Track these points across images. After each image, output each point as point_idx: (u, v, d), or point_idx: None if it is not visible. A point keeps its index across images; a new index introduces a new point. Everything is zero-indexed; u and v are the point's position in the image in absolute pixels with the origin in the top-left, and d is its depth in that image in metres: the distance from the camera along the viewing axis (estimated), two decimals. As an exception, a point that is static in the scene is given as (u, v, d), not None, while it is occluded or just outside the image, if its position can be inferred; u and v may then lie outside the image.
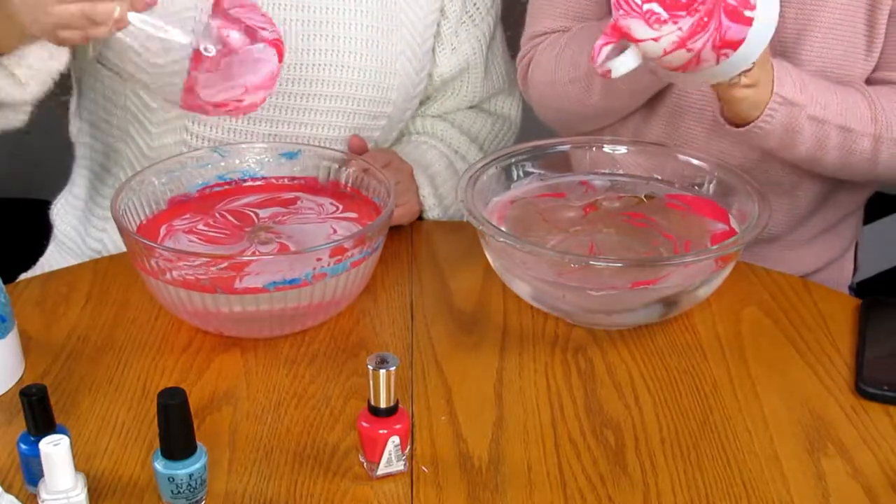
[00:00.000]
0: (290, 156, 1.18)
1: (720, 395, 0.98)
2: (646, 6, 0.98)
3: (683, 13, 0.97)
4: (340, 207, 1.14)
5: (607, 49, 1.02)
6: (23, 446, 0.84)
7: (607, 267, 1.00)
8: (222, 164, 1.17)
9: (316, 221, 1.13)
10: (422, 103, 1.38)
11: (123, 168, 1.28)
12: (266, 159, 1.18)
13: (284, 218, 1.13)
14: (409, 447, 0.88)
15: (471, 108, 1.41)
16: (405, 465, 0.88)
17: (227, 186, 1.17)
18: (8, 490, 0.85)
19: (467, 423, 0.94)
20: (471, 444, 0.92)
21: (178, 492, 0.82)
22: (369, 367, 0.84)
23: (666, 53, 0.99)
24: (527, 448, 0.91)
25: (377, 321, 1.09)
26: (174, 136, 1.23)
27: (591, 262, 1.02)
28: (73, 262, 1.35)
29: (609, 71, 1.02)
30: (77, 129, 1.35)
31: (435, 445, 0.92)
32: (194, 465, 0.82)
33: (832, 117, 1.11)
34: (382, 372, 0.84)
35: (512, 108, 1.45)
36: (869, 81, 1.19)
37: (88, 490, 0.81)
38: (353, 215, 1.13)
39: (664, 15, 0.98)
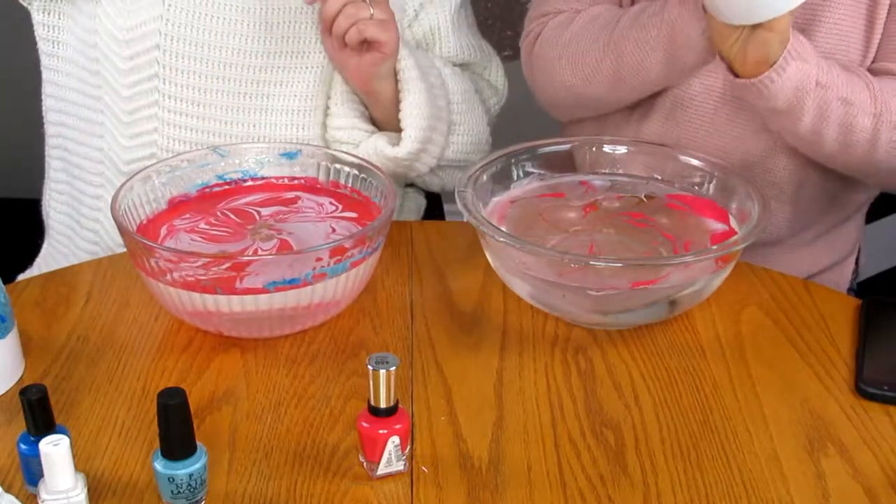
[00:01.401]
0: (290, 156, 1.18)
1: (720, 395, 0.98)
2: None
3: None
4: (340, 207, 1.15)
5: None
6: (23, 446, 0.84)
7: (607, 267, 1.00)
8: (222, 164, 1.17)
9: (315, 220, 1.13)
10: None
11: (105, 139, 1.28)
12: (266, 159, 1.18)
13: (285, 216, 1.13)
14: (409, 447, 0.88)
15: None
16: (405, 465, 0.88)
17: (226, 186, 1.17)
18: (8, 490, 0.85)
19: (467, 423, 0.94)
20: (471, 444, 0.92)
21: (178, 492, 0.82)
22: (369, 367, 0.84)
23: None
24: (527, 448, 0.91)
25: (377, 321, 1.09)
26: (147, 97, 1.23)
27: (591, 262, 1.02)
28: (68, 254, 1.35)
29: None
30: (45, 106, 1.34)
31: (435, 445, 0.92)
32: (194, 465, 0.82)
33: (835, 87, 1.11)
34: (382, 372, 0.84)
35: (492, 74, 1.43)
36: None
37: (88, 490, 0.81)
38: (353, 215, 1.13)
39: None
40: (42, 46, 1.30)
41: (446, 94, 1.31)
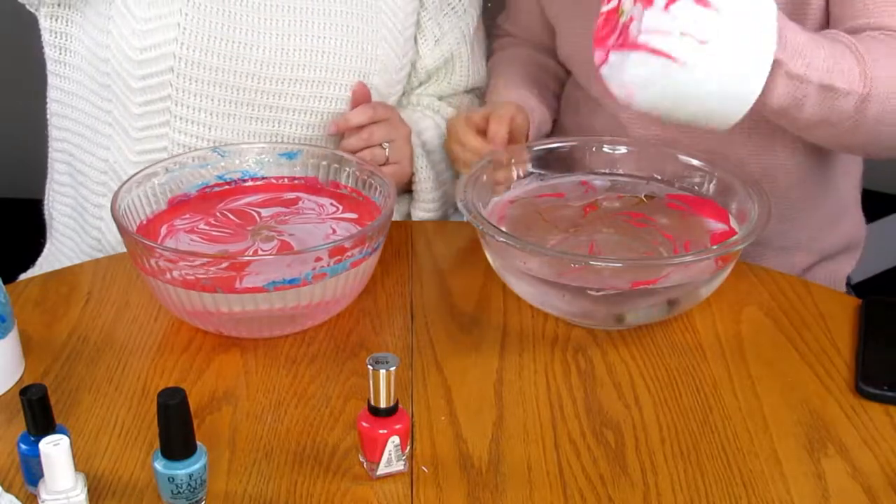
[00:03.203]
0: (290, 156, 1.18)
1: (720, 395, 0.98)
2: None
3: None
4: (341, 208, 1.15)
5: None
6: (23, 446, 0.84)
7: (607, 267, 1.00)
8: (222, 164, 1.17)
9: (316, 221, 1.13)
10: (408, 92, 1.39)
11: (111, 151, 1.27)
12: (266, 159, 1.18)
13: (286, 218, 1.13)
14: (409, 447, 0.88)
15: (467, 93, 1.42)
16: (405, 465, 0.88)
17: (226, 186, 1.17)
18: (8, 490, 0.85)
19: (467, 423, 0.94)
20: (471, 444, 0.92)
21: (178, 492, 0.82)
22: (369, 367, 0.84)
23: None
24: (527, 448, 0.91)
25: (377, 321, 1.09)
26: (158, 117, 1.23)
27: (591, 262, 1.02)
28: (72, 255, 1.35)
29: None
30: (50, 110, 1.34)
31: (435, 445, 0.92)
32: (194, 465, 0.82)
33: (814, 74, 1.01)
34: (382, 372, 0.84)
35: None
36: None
37: (88, 490, 0.81)
38: (353, 216, 1.13)
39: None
40: (49, 52, 1.29)
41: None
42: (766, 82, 0.99)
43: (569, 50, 1.33)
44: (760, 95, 0.99)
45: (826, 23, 1.18)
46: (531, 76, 1.36)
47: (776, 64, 0.99)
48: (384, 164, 1.24)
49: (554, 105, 1.39)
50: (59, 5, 1.24)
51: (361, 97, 1.26)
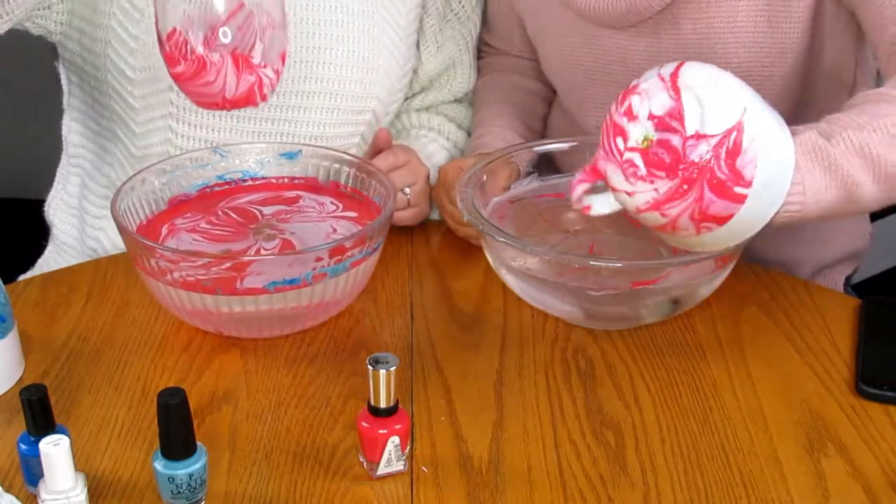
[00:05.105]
0: (290, 156, 1.18)
1: (720, 395, 0.98)
2: (627, 154, 0.90)
3: (663, 174, 0.89)
4: (341, 206, 1.15)
5: (583, 187, 0.96)
6: (23, 446, 0.84)
7: (607, 267, 1.00)
8: (222, 164, 1.17)
9: (317, 220, 1.13)
10: (409, 98, 1.39)
11: (114, 168, 1.28)
12: (266, 159, 1.18)
13: (287, 216, 1.13)
14: (409, 447, 0.88)
15: (461, 101, 1.42)
16: (405, 465, 0.88)
17: (227, 186, 1.17)
18: (8, 490, 0.85)
19: (467, 423, 0.94)
20: (471, 444, 0.92)
21: (178, 492, 0.82)
22: (369, 367, 0.84)
23: (639, 211, 0.92)
24: (527, 448, 0.91)
25: (377, 321, 1.09)
26: (159, 135, 1.23)
27: (591, 262, 1.02)
28: (72, 261, 1.35)
29: (589, 207, 0.97)
30: (67, 128, 1.35)
31: (435, 445, 0.92)
32: (194, 465, 0.82)
33: (857, 173, 0.94)
34: (382, 372, 0.84)
35: None
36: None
37: (88, 490, 0.81)
38: (354, 214, 1.13)
39: (642, 170, 0.89)
40: (64, 75, 1.31)
41: None
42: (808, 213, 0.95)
43: (549, 68, 1.32)
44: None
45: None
46: (516, 108, 1.35)
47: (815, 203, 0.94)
48: (406, 208, 1.24)
49: (541, 131, 1.39)
50: (61, 34, 1.24)
51: (383, 143, 1.26)
